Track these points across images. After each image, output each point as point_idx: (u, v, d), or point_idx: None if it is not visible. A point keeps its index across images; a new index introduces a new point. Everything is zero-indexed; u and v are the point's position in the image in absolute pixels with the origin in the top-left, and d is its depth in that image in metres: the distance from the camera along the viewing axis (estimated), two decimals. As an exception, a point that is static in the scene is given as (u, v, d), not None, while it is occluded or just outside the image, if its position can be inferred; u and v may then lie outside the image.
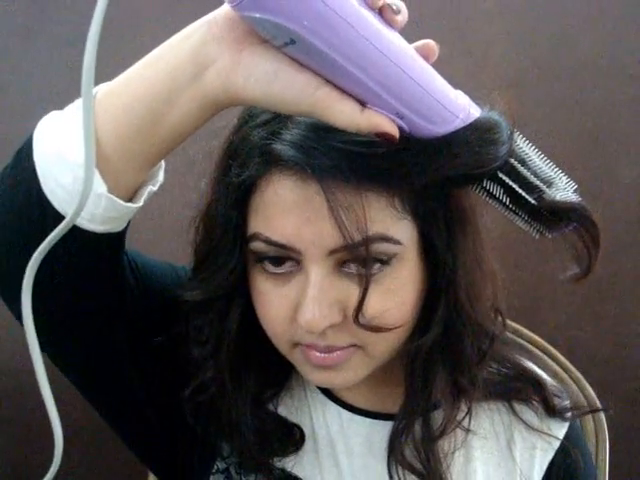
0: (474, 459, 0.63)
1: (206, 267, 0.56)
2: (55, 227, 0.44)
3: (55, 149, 0.45)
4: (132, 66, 0.47)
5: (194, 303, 0.57)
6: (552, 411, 0.64)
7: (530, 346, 0.89)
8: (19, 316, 0.48)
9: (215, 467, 0.63)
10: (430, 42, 0.45)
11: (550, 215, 0.49)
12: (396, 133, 0.44)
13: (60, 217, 0.45)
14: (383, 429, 0.61)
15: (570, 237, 0.51)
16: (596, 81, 1.22)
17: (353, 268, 0.51)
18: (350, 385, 0.56)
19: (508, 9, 1.22)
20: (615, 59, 1.22)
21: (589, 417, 0.89)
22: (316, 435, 0.63)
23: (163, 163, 0.52)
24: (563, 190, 0.49)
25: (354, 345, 0.53)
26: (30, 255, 0.45)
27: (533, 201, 0.48)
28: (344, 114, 0.43)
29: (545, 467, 0.63)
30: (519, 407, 0.64)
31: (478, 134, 0.46)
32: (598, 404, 0.89)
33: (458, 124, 0.46)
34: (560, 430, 0.65)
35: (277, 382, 0.64)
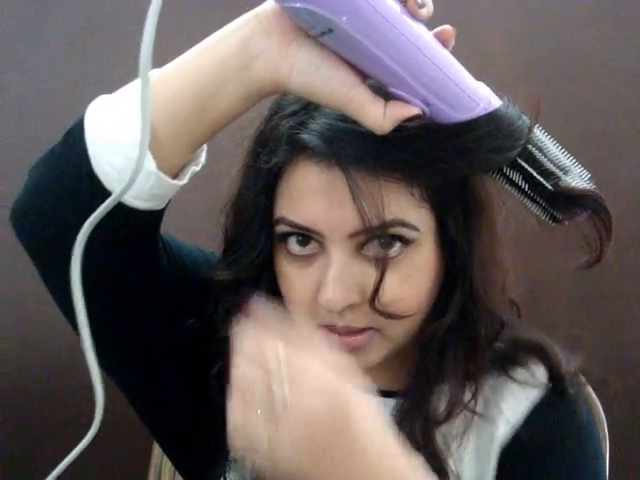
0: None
1: (235, 249, 0.59)
2: (102, 203, 0.47)
3: (109, 130, 0.49)
4: (182, 55, 0.51)
5: (224, 285, 0.60)
6: (559, 377, 0.63)
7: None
8: (56, 290, 0.54)
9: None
10: (448, 27, 0.50)
11: (565, 201, 0.52)
12: (421, 113, 0.48)
13: (107, 194, 0.48)
14: (389, 405, 0.63)
15: (582, 225, 0.53)
16: (596, 81, 1.22)
17: (372, 251, 0.54)
18: (372, 366, 0.57)
19: (508, 9, 1.22)
20: (615, 59, 1.22)
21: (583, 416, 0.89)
22: None
23: (205, 146, 0.55)
24: (578, 178, 0.52)
25: (372, 328, 0.55)
26: (77, 230, 0.48)
27: (550, 187, 0.51)
28: (372, 116, 0.47)
29: (529, 408, 0.62)
30: (513, 370, 0.64)
31: (499, 122, 0.49)
32: (598, 404, 0.90)
33: (479, 112, 0.49)
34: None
35: None
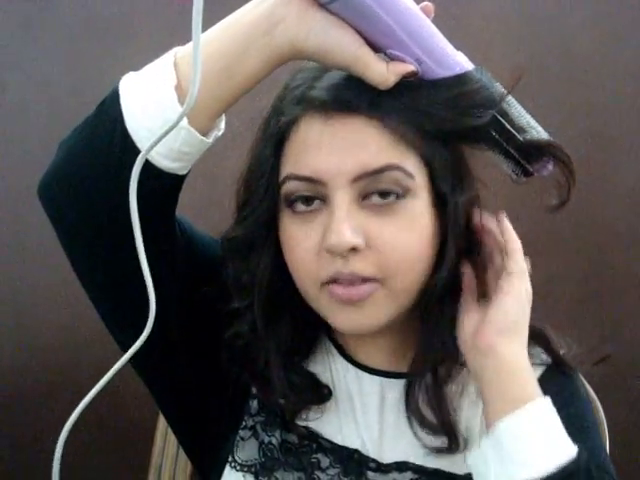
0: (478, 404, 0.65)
1: (243, 210, 0.64)
2: (132, 165, 0.52)
3: (146, 96, 0.54)
4: (209, 29, 0.56)
5: (234, 248, 0.64)
6: (557, 360, 0.68)
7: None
8: (83, 263, 0.60)
9: (243, 423, 0.68)
10: (428, 3, 0.58)
11: (535, 150, 0.59)
12: (416, 69, 0.56)
13: (138, 153, 0.53)
14: (395, 386, 0.66)
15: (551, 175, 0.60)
16: (596, 81, 1.22)
17: (375, 199, 0.58)
18: (377, 328, 0.60)
19: (508, 10, 1.22)
20: (615, 59, 1.22)
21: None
22: (337, 396, 0.68)
23: (224, 115, 0.60)
24: (542, 133, 0.60)
25: (376, 281, 0.58)
26: (109, 194, 0.55)
27: (522, 139, 0.58)
28: (377, 72, 0.55)
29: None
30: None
31: (477, 82, 0.57)
32: (598, 404, 0.90)
33: (461, 69, 0.57)
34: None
35: (306, 342, 0.68)
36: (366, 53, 0.55)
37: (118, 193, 0.54)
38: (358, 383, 0.67)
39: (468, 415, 0.65)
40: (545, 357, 0.70)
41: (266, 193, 0.61)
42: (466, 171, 0.62)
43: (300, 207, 0.59)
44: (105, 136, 0.55)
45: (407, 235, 0.58)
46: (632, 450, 1.27)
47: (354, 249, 0.56)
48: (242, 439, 0.68)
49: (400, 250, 0.58)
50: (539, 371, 0.67)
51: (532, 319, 0.68)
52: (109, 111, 0.55)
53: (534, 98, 1.20)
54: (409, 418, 0.64)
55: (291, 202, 0.60)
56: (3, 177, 1.20)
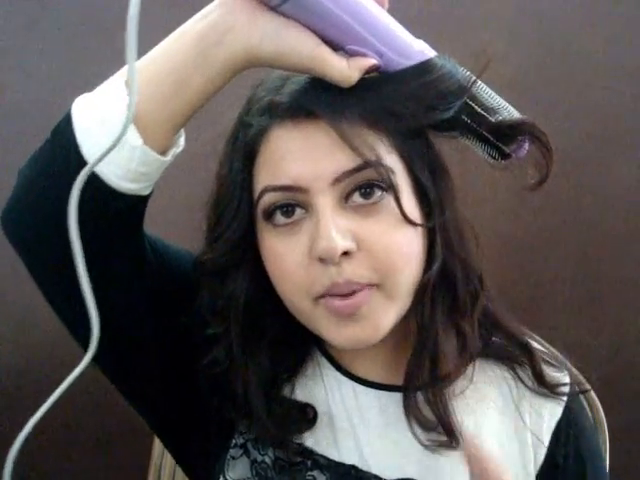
0: (484, 423, 0.65)
1: (215, 230, 0.61)
2: (93, 187, 0.51)
3: (97, 115, 0.52)
4: (157, 45, 0.55)
5: (208, 272, 0.61)
6: (540, 380, 0.66)
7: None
8: (49, 286, 0.57)
9: (233, 442, 0.66)
10: None
11: (509, 130, 0.57)
12: (378, 63, 0.54)
13: (97, 178, 0.52)
14: (396, 399, 0.64)
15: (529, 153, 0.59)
16: (596, 81, 1.22)
17: (357, 199, 0.56)
18: (378, 339, 0.58)
19: (508, 9, 1.22)
20: (615, 59, 1.22)
21: (589, 417, 0.89)
22: (332, 411, 0.65)
23: (183, 131, 0.59)
24: (513, 112, 0.59)
25: (373, 285, 0.56)
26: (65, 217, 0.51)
27: (494, 120, 0.57)
28: (338, 69, 0.53)
29: (553, 427, 0.65)
30: (522, 373, 0.67)
31: (441, 70, 0.56)
32: (598, 404, 0.90)
33: (422, 57, 0.56)
34: (566, 385, 0.67)
35: (290, 365, 0.66)
36: (324, 52, 0.53)
37: (78, 221, 0.51)
38: (355, 397, 0.65)
39: (465, 417, 0.63)
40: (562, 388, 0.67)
41: (238, 210, 0.59)
42: (440, 162, 0.61)
43: (281, 220, 0.57)
44: (61, 162, 0.53)
45: (397, 232, 0.56)
46: (632, 450, 1.27)
47: (346, 253, 0.54)
48: (233, 458, 0.66)
49: (392, 248, 0.56)
50: (559, 412, 0.66)
51: (507, 314, 0.68)
52: (63, 136, 0.53)
53: (534, 98, 1.21)
54: (411, 426, 0.62)
55: (270, 215, 0.57)
56: (3, 177, 1.20)
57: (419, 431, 0.62)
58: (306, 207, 0.56)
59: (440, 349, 0.61)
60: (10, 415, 1.32)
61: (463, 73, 0.57)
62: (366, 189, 0.56)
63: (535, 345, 0.69)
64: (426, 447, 0.62)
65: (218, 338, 0.62)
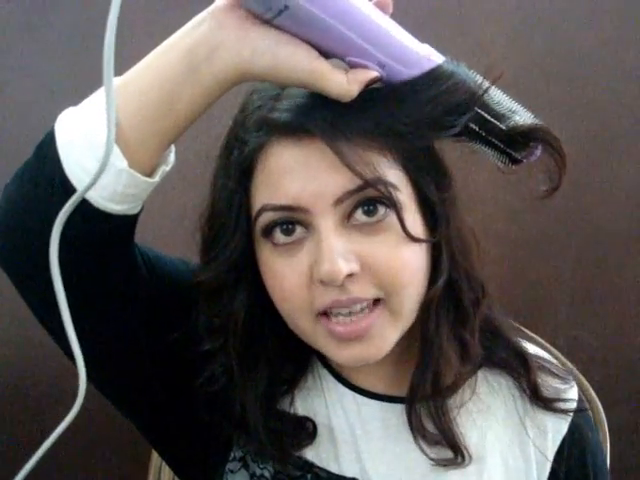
0: (487, 434, 0.64)
1: (211, 249, 0.59)
2: (79, 212, 0.49)
3: (79, 135, 0.50)
4: (144, 58, 0.52)
5: (204, 291, 0.60)
6: (536, 394, 0.65)
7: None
8: (37, 305, 0.55)
9: (232, 455, 0.65)
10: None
11: (521, 137, 0.54)
12: (379, 75, 0.51)
13: (84, 202, 0.50)
14: (398, 411, 0.63)
15: (541, 160, 0.57)
16: (596, 81, 1.22)
17: (359, 219, 0.54)
18: (381, 356, 0.57)
19: (508, 9, 1.22)
20: (615, 59, 1.22)
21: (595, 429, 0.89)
22: (332, 423, 0.64)
23: (173, 147, 0.56)
24: (527, 117, 0.55)
25: (378, 300, 0.55)
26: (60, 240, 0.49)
27: (505, 128, 0.54)
28: (337, 83, 0.50)
29: (558, 443, 0.65)
30: (525, 384, 0.66)
31: (449, 78, 0.52)
32: (598, 404, 0.90)
33: (429, 65, 0.52)
34: (571, 401, 0.66)
35: (290, 378, 0.65)
36: (321, 66, 0.50)
37: (65, 243, 0.49)
38: (357, 409, 0.64)
39: (468, 430, 0.63)
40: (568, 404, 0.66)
41: (236, 229, 0.57)
42: (445, 171, 0.59)
43: (281, 238, 0.55)
44: (46, 183, 0.51)
45: (402, 249, 0.54)
46: (632, 450, 1.27)
47: (350, 275, 0.53)
48: (231, 471, 0.64)
49: (397, 266, 0.54)
50: (564, 428, 0.65)
51: (507, 322, 0.68)
52: (47, 155, 0.51)
53: (534, 98, 1.21)
54: (415, 438, 0.61)
55: (269, 233, 0.55)
56: (3, 177, 1.19)
57: (424, 445, 0.61)
58: (307, 226, 0.54)
59: (444, 361, 0.60)
60: (10, 415, 1.32)
61: (473, 79, 0.53)
62: (369, 207, 0.54)
63: (541, 354, 0.68)
64: (434, 463, 0.61)
65: (214, 355, 0.61)
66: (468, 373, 0.62)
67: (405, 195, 0.55)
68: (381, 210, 0.54)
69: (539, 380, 0.65)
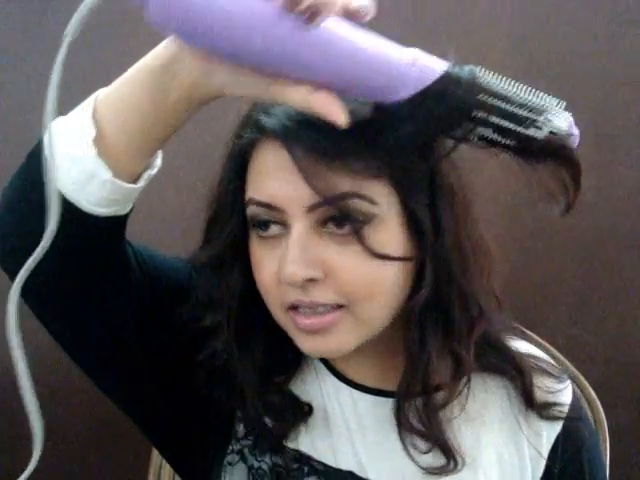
0: (482, 432, 0.64)
1: (211, 229, 0.62)
2: (68, 215, 0.50)
3: (62, 149, 0.51)
4: (119, 78, 0.53)
5: (204, 266, 0.62)
6: (530, 402, 0.65)
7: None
8: (36, 307, 0.56)
9: (230, 448, 0.66)
10: (354, 5, 0.47)
11: (537, 150, 0.52)
12: (339, 120, 0.48)
13: (72, 206, 0.51)
14: (392, 404, 0.63)
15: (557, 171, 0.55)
16: (596, 81, 1.22)
17: (331, 227, 0.55)
18: (343, 353, 0.58)
19: (508, 9, 1.22)
20: (615, 59, 1.22)
21: (589, 417, 0.89)
22: (329, 416, 0.65)
23: (160, 152, 0.57)
24: (556, 115, 0.51)
25: (341, 306, 0.56)
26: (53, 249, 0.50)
27: (525, 131, 0.50)
28: (297, 96, 0.48)
29: (552, 441, 0.65)
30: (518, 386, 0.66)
31: (442, 86, 0.49)
32: (598, 404, 0.90)
33: (417, 79, 0.48)
34: (564, 405, 0.66)
35: (286, 367, 0.66)
36: (280, 83, 0.48)
37: (59, 252, 0.50)
38: (352, 403, 0.65)
39: (462, 434, 0.63)
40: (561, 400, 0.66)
41: (232, 214, 0.59)
42: (445, 183, 0.57)
43: (261, 232, 0.57)
44: (37, 191, 0.51)
45: (370, 264, 0.54)
46: (632, 450, 1.27)
47: (312, 280, 0.54)
48: (230, 464, 0.65)
49: (363, 279, 0.55)
50: (558, 427, 0.66)
51: (512, 330, 0.67)
52: (36, 164, 0.52)
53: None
54: (402, 439, 0.62)
55: (255, 224, 0.58)
56: (3, 178, 1.20)
57: (412, 449, 0.62)
58: (284, 225, 0.56)
59: (431, 372, 0.60)
60: (9, 415, 1.32)
61: (469, 79, 0.49)
62: (338, 220, 0.54)
63: (535, 353, 0.69)
64: (426, 472, 0.61)
65: (214, 331, 0.63)
66: (460, 385, 0.62)
67: (386, 209, 0.55)
68: (355, 223, 0.54)
69: (534, 386, 0.65)
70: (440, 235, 0.56)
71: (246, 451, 0.65)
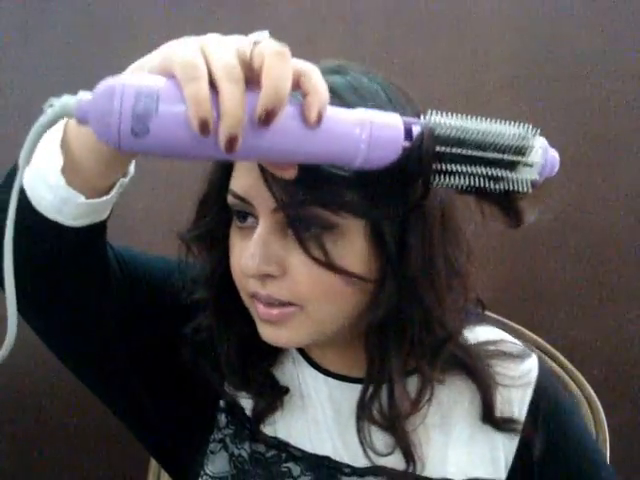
0: (445, 433, 0.65)
1: (200, 211, 0.63)
2: (50, 232, 0.53)
3: (35, 172, 0.53)
4: None
5: (194, 241, 0.64)
6: (489, 415, 0.65)
7: (530, 346, 0.89)
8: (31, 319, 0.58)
9: (212, 437, 0.69)
10: (309, 110, 0.44)
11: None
12: (287, 175, 0.49)
13: (52, 223, 0.53)
14: (351, 391, 0.65)
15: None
16: (596, 81, 1.22)
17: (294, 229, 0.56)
18: (296, 345, 0.61)
19: (508, 9, 1.22)
20: (615, 59, 1.22)
21: (589, 417, 0.89)
22: (305, 403, 0.67)
23: (134, 160, 0.57)
24: (529, 152, 0.49)
25: (294, 305, 0.57)
26: (32, 261, 0.53)
27: (498, 172, 0.48)
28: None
29: (526, 407, 0.65)
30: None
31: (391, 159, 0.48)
32: (598, 404, 0.90)
33: (365, 160, 0.47)
34: (531, 372, 0.67)
35: (264, 348, 0.65)
36: None
37: (42, 260, 0.53)
38: (328, 390, 0.67)
39: (423, 437, 0.64)
40: (528, 367, 0.67)
41: (218, 199, 0.61)
42: (427, 216, 0.56)
43: (237, 222, 0.59)
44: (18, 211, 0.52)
45: (324, 272, 0.55)
46: (632, 450, 1.27)
47: (268, 275, 0.56)
48: (212, 452, 0.68)
49: (316, 285, 0.56)
50: (529, 392, 0.66)
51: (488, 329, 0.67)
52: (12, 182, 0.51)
53: (534, 99, 1.21)
54: (363, 424, 0.62)
55: (234, 214, 0.59)
56: (1, 178, 1.20)
57: (372, 454, 0.63)
58: (257, 219, 0.57)
59: (394, 387, 0.60)
60: (9, 414, 1.32)
61: (419, 139, 0.47)
62: (301, 224, 0.55)
63: (494, 337, 0.69)
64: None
65: (202, 306, 0.65)
66: (424, 399, 0.62)
67: (350, 221, 0.54)
68: (315, 229, 0.54)
69: (494, 398, 0.65)
70: (406, 254, 0.55)
71: (227, 440, 0.68)
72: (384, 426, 0.62)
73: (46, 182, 0.53)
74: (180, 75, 0.42)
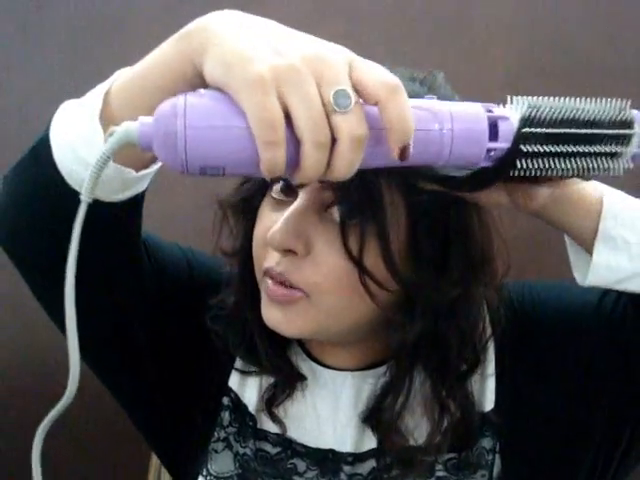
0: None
1: (241, 181, 0.64)
2: (74, 207, 0.48)
3: (69, 145, 0.49)
4: (137, 64, 0.49)
5: (231, 209, 0.64)
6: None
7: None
8: (44, 296, 0.59)
9: (215, 436, 0.68)
10: (392, 147, 0.41)
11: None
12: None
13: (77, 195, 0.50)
14: (371, 378, 0.65)
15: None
16: (596, 81, 1.22)
17: (334, 213, 0.56)
18: (297, 335, 0.60)
19: (508, 10, 1.22)
20: (615, 59, 1.22)
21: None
22: (307, 399, 0.67)
23: None
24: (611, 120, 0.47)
25: (301, 291, 0.57)
26: (57, 235, 0.47)
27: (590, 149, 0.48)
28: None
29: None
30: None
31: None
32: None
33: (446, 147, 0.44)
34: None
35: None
36: None
37: (65, 238, 0.48)
38: (331, 382, 0.67)
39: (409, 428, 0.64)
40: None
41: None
42: (464, 228, 0.58)
43: (278, 195, 0.58)
44: (42, 182, 0.52)
45: (340, 260, 0.55)
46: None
47: (291, 251, 0.55)
48: (215, 451, 0.68)
49: (334, 274, 0.55)
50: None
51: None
52: (42, 155, 0.51)
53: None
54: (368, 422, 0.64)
55: (273, 184, 0.58)
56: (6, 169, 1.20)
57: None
58: (297, 195, 0.57)
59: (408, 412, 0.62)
60: (9, 413, 1.32)
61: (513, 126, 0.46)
62: (344, 208, 0.55)
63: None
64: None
65: (227, 283, 0.66)
66: (442, 438, 0.62)
67: (394, 221, 0.54)
68: (354, 219, 0.54)
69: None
70: (447, 272, 0.56)
71: (231, 438, 0.68)
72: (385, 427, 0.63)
73: (79, 157, 0.49)
74: (257, 132, 0.38)
